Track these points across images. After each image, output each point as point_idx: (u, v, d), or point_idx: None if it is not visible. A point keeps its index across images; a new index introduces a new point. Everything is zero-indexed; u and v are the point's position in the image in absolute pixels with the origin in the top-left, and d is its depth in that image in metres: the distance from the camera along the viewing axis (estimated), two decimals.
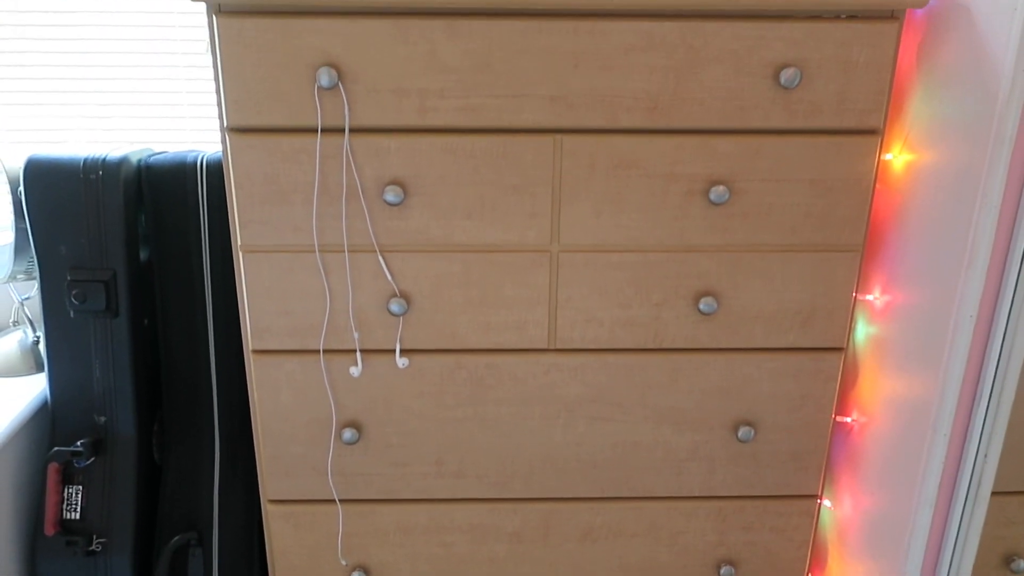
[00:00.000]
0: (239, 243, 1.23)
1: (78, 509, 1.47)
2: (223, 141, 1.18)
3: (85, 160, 1.39)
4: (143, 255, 1.46)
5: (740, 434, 1.33)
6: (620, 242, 1.24)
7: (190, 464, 1.52)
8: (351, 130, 1.17)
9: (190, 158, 1.43)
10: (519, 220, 1.22)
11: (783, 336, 1.30)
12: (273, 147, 1.18)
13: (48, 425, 1.51)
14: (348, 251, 1.23)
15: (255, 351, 1.30)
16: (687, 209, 1.22)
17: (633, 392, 1.33)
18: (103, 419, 1.47)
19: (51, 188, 1.38)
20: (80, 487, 1.47)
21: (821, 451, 1.38)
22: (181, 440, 1.52)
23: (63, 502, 1.46)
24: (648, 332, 1.29)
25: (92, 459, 1.46)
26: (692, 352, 1.31)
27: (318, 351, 1.29)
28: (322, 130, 1.17)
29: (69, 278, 1.40)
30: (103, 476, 1.48)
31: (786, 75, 1.15)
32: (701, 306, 1.26)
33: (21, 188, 1.40)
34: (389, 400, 1.32)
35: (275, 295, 1.26)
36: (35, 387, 1.53)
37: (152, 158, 1.44)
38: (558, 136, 1.19)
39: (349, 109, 1.16)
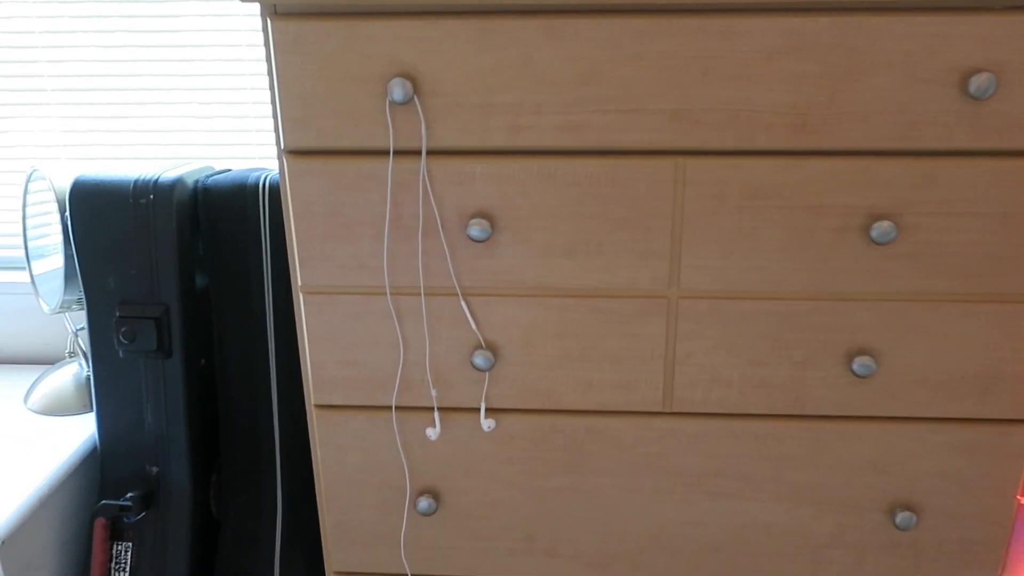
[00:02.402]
0: (299, 283, 1.05)
1: (127, 568, 1.32)
2: (280, 165, 1.01)
3: (136, 182, 1.23)
4: (199, 288, 1.30)
5: (898, 520, 1.09)
6: (754, 288, 1.01)
7: (250, 520, 1.36)
8: (429, 152, 0.98)
9: (251, 179, 1.26)
10: (630, 260, 1.01)
11: (957, 404, 1.05)
12: (337, 173, 0.99)
13: (98, 472, 1.37)
14: (425, 294, 1.04)
15: (318, 406, 1.12)
16: (839, 249, 0.99)
17: (765, 465, 1.10)
18: (155, 470, 1.32)
19: (98, 214, 1.23)
20: (130, 544, 1.32)
21: (1000, 541, 1.12)
22: (240, 493, 1.36)
23: (111, 560, 1.32)
24: (787, 395, 1.06)
25: (143, 514, 1.32)
26: (840, 420, 1.07)
27: (390, 408, 1.11)
28: (395, 152, 0.98)
29: (117, 314, 1.25)
30: (155, 532, 1.33)
31: (977, 83, 0.90)
32: (854, 366, 1.02)
33: (67, 213, 1.25)
34: (471, 466, 1.13)
35: (340, 343, 1.07)
36: (88, 428, 1.40)
37: (210, 179, 1.28)
38: (680, 159, 0.96)
39: (427, 128, 0.96)
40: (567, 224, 1.00)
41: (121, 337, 1.24)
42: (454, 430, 1.11)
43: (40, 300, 1.43)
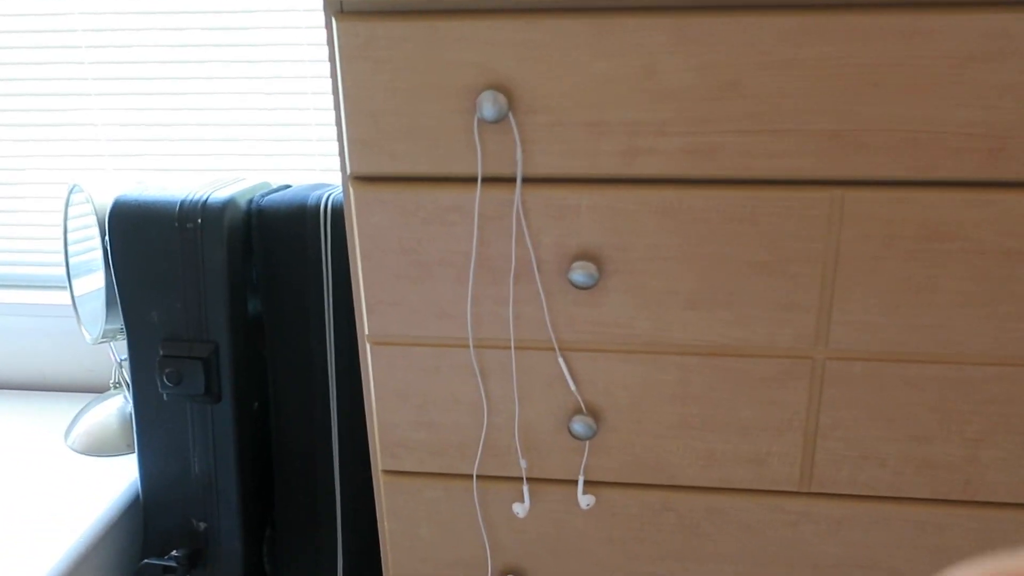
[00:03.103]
0: (366, 331, 0.89)
1: None
2: (345, 193, 0.84)
3: (182, 203, 1.08)
4: (252, 321, 1.15)
5: None
6: (922, 349, 0.82)
7: None
8: (526, 180, 0.80)
9: (312, 199, 1.10)
10: (768, 313, 0.82)
11: None
12: (413, 203, 0.82)
13: (141, 524, 1.23)
14: (515, 348, 0.87)
15: (386, 472, 0.96)
16: None
17: (924, 558, 0.90)
18: (203, 525, 1.18)
19: (140, 240, 1.09)
20: None
21: None
22: (297, 550, 1.21)
23: None
24: (956, 478, 0.86)
25: (190, 574, 1.17)
26: (1022, 509, 0.87)
27: (470, 477, 0.94)
28: (483, 180, 0.81)
29: (161, 353, 1.11)
30: None
31: None
32: None
33: (107, 237, 1.11)
34: (564, 545, 0.95)
35: (413, 402, 0.91)
36: (131, 472, 1.26)
37: (266, 199, 1.12)
38: (838, 191, 0.77)
39: (523, 151, 0.79)
40: (691, 269, 0.81)
41: (165, 379, 1.10)
42: (545, 505, 0.94)
43: (82, 328, 1.30)
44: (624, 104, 0.76)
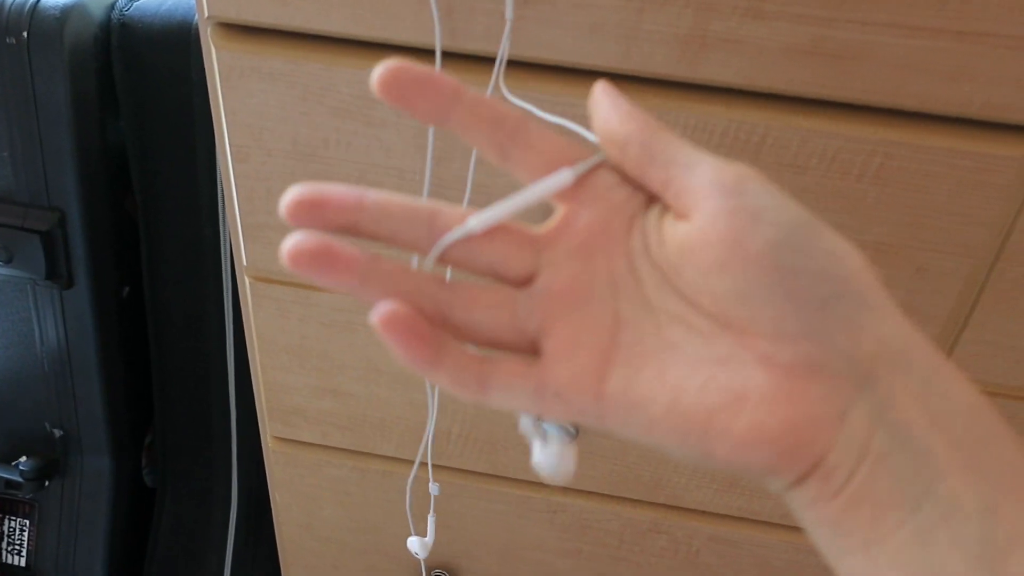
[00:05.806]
0: (244, 262, 0.58)
1: (23, 552, 0.96)
2: (205, 51, 0.50)
3: (1, 4, 0.73)
4: (117, 174, 0.83)
5: None
6: None
7: (196, 492, 0.97)
8: (513, 64, 0.47)
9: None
10: None
11: None
12: (321, 82, 0.49)
13: None
14: None
15: (277, 439, 0.69)
16: None
17: None
18: (58, 433, 0.92)
19: None
20: (27, 521, 0.95)
21: None
22: (184, 458, 0.96)
23: (1, 540, 0.95)
24: None
25: (46, 485, 0.93)
26: None
27: (393, 459, 0.67)
28: (444, 55, 0.47)
29: None
30: (62, 508, 0.95)
31: None
32: None
33: None
34: (514, 551, 0.71)
35: (312, 363, 0.62)
36: None
37: (135, 6, 0.77)
38: None
39: (515, 16, 0.45)
40: None
41: None
42: (494, 506, 0.68)
43: None
44: None
